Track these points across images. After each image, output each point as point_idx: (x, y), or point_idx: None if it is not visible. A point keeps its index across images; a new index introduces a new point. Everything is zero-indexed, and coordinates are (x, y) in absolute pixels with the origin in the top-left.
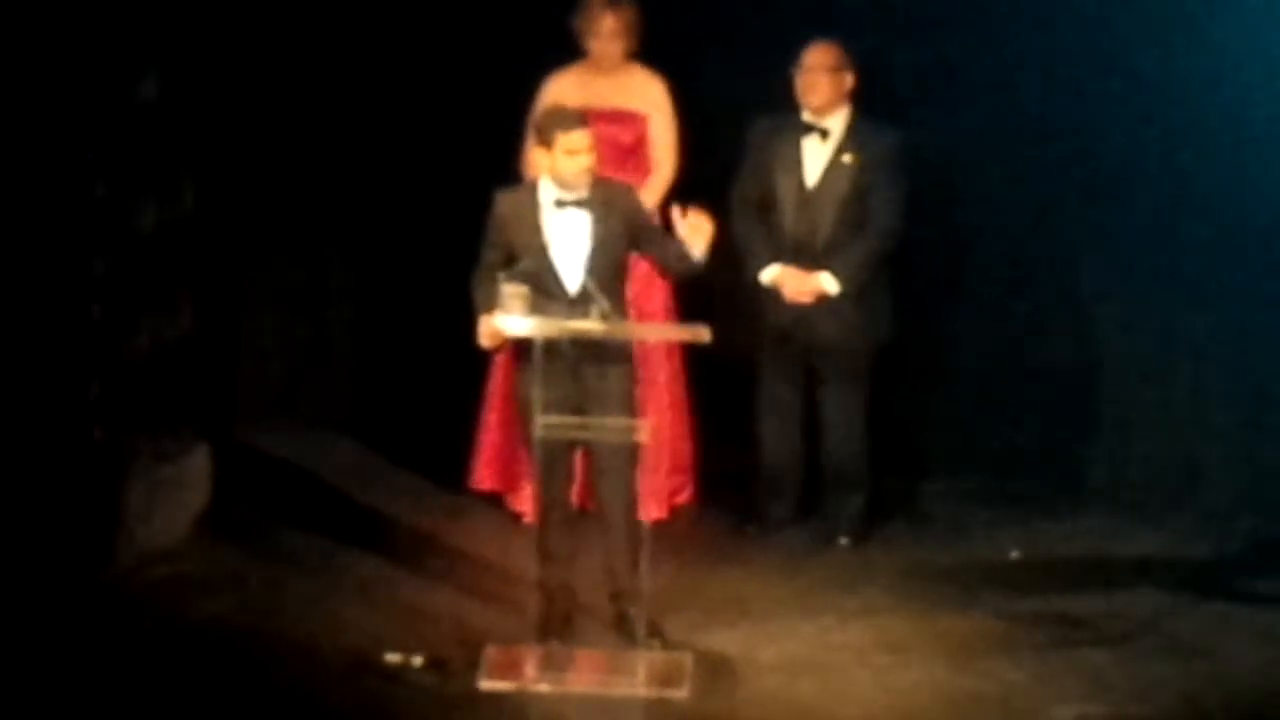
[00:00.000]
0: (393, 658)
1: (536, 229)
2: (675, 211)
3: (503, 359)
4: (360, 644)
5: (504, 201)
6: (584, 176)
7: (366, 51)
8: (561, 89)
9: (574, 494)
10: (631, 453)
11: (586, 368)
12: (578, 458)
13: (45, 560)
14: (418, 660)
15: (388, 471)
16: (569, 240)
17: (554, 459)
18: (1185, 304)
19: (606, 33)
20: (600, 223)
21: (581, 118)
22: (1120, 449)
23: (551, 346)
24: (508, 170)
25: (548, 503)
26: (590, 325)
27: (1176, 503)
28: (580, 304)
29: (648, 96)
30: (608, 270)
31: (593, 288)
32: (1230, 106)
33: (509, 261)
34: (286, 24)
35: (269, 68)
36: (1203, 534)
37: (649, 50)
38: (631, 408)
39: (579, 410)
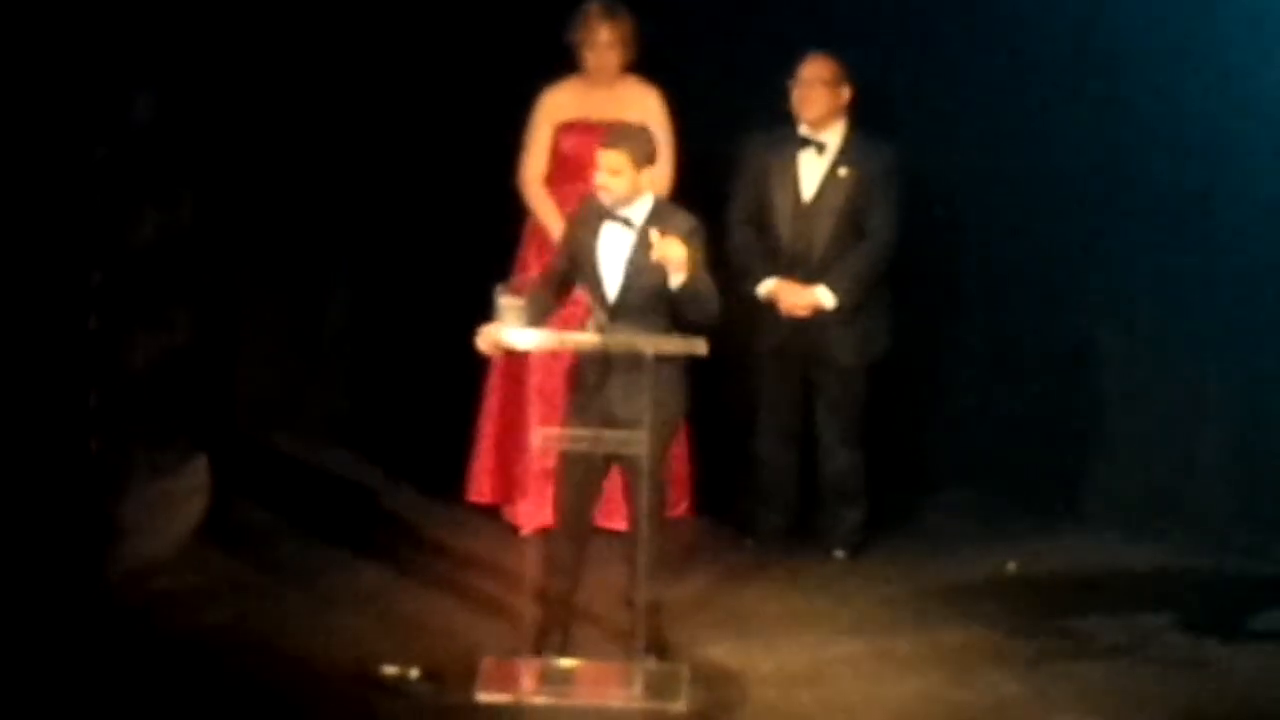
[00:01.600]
0: (390, 669)
1: (594, 236)
2: (652, 238)
3: (500, 371)
4: (357, 655)
5: (580, 209)
6: (602, 194)
7: (364, 65)
8: (558, 101)
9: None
10: (652, 466)
11: (615, 382)
12: (610, 476)
13: (43, 571)
14: (414, 672)
15: (385, 483)
16: (613, 254)
17: (574, 471)
18: (1182, 322)
19: (603, 44)
20: (640, 247)
21: (622, 141)
22: (1116, 464)
23: (583, 359)
24: (504, 182)
25: (563, 514)
26: (586, 338)
27: (1172, 517)
28: (618, 315)
29: (644, 108)
30: (645, 291)
31: (593, 301)
32: (1229, 120)
33: (568, 268)
34: (285, 36)
35: (268, 80)
36: (1198, 548)
37: (644, 62)
38: (659, 421)
39: (609, 423)
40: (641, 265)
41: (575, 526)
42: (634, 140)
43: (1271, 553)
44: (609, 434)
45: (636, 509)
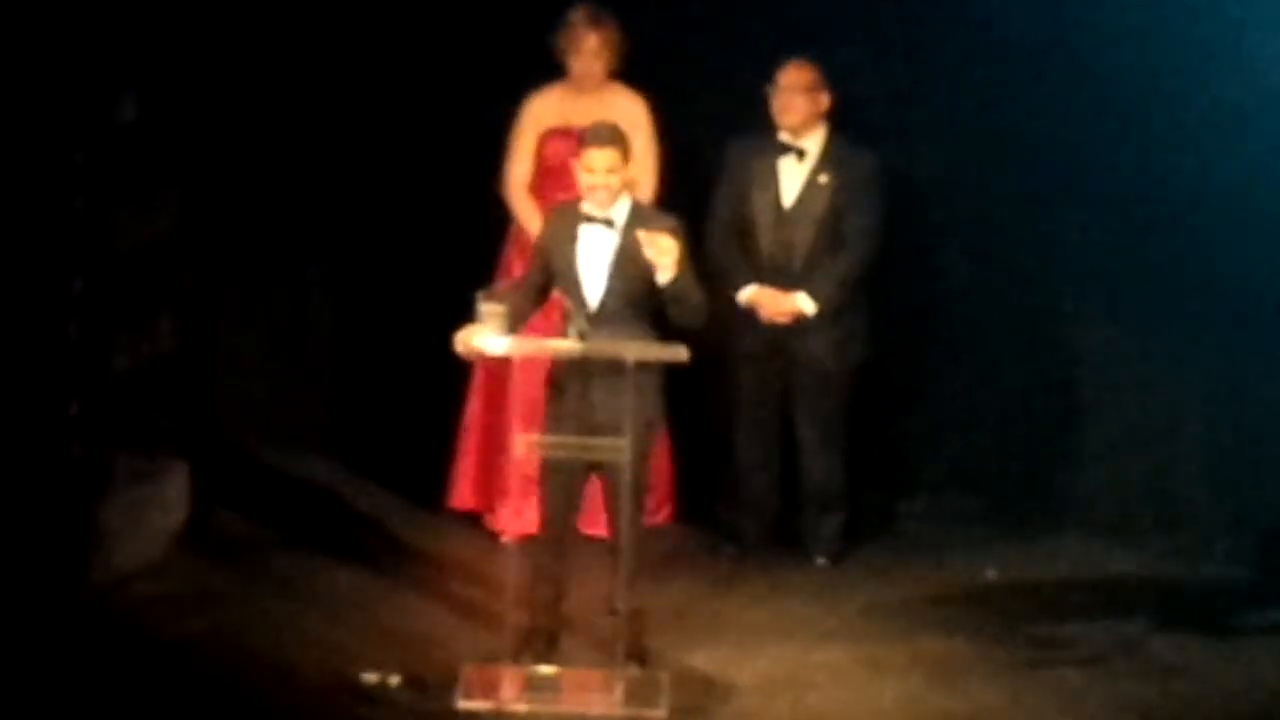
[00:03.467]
0: (370, 677)
1: (572, 240)
2: (640, 234)
3: (482, 378)
4: (338, 663)
5: (553, 215)
6: (596, 195)
7: (347, 71)
8: (543, 108)
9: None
10: (633, 472)
11: (596, 388)
12: (590, 481)
13: (23, 578)
14: (395, 679)
15: (366, 490)
16: (594, 257)
17: (557, 478)
18: (1162, 328)
19: (589, 51)
20: (625, 248)
21: (613, 139)
22: (1097, 471)
23: (562, 365)
24: (487, 189)
25: (547, 521)
26: (567, 345)
27: (1153, 524)
28: (599, 320)
29: (628, 115)
30: (626, 291)
31: (574, 307)
32: (1211, 123)
33: (545, 275)
34: (268, 42)
35: (251, 86)
36: (1179, 556)
37: (627, 68)
38: (641, 427)
39: (590, 429)
40: (625, 267)
41: (559, 534)
42: (620, 137)
43: (1251, 558)
44: (591, 441)
45: (617, 516)
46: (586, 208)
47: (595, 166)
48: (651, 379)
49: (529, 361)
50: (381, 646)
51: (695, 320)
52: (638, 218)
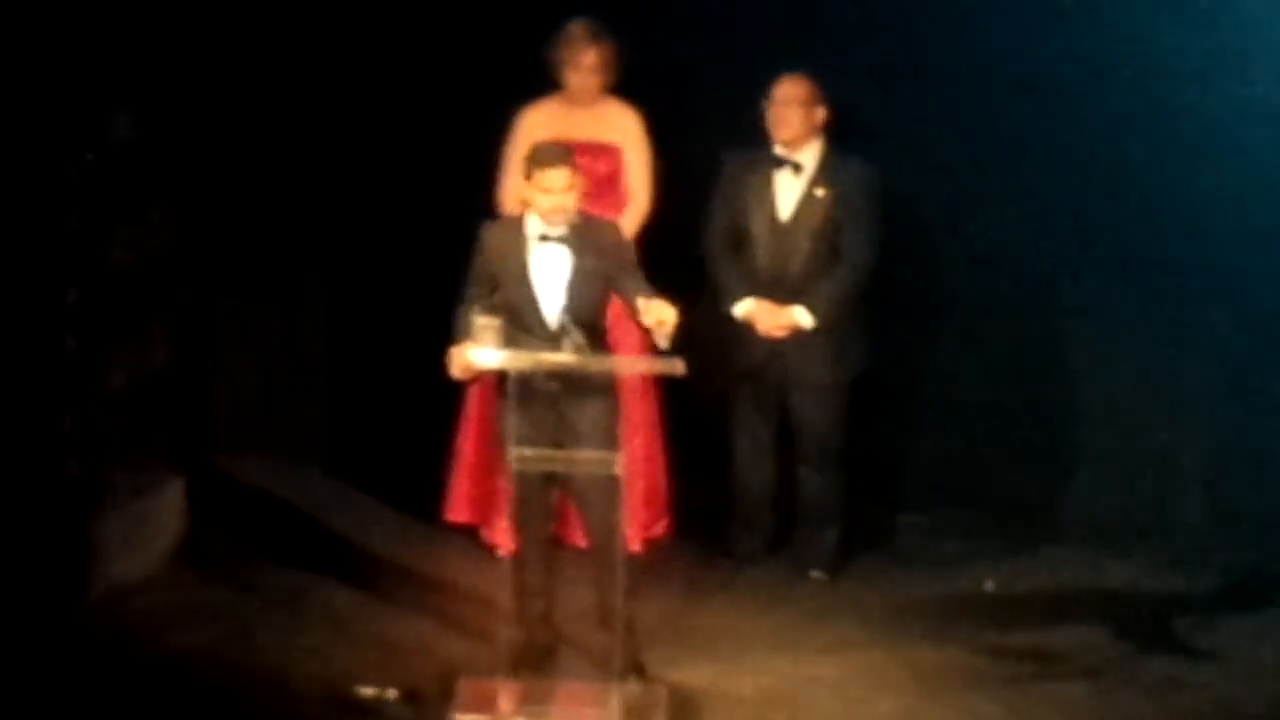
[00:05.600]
0: (366, 690)
1: (521, 261)
2: (639, 303)
3: (477, 391)
4: (334, 676)
5: (491, 233)
6: (558, 215)
7: (341, 86)
8: (537, 121)
9: (552, 528)
10: (613, 485)
11: (566, 402)
12: (556, 492)
13: (18, 593)
14: (392, 693)
15: (363, 504)
16: (550, 274)
17: (530, 492)
18: (1161, 340)
19: (587, 66)
20: (580, 259)
21: (566, 156)
22: (1094, 484)
23: (527, 380)
24: (483, 203)
25: (525, 536)
26: (564, 358)
27: (1148, 537)
28: (559, 338)
29: (623, 129)
30: (587, 306)
31: (568, 321)
32: (1209, 133)
33: (493, 293)
34: (262, 58)
35: (244, 99)
36: (1174, 568)
37: (623, 81)
38: (612, 441)
39: (558, 444)
40: (582, 279)
41: (539, 546)
42: (569, 155)
43: (1248, 570)
44: (581, 454)
45: (600, 530)
46: (538, 227)
47: (553, 186)
48: (610, 395)
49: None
50: (377, 660)
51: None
52: (586, 230)
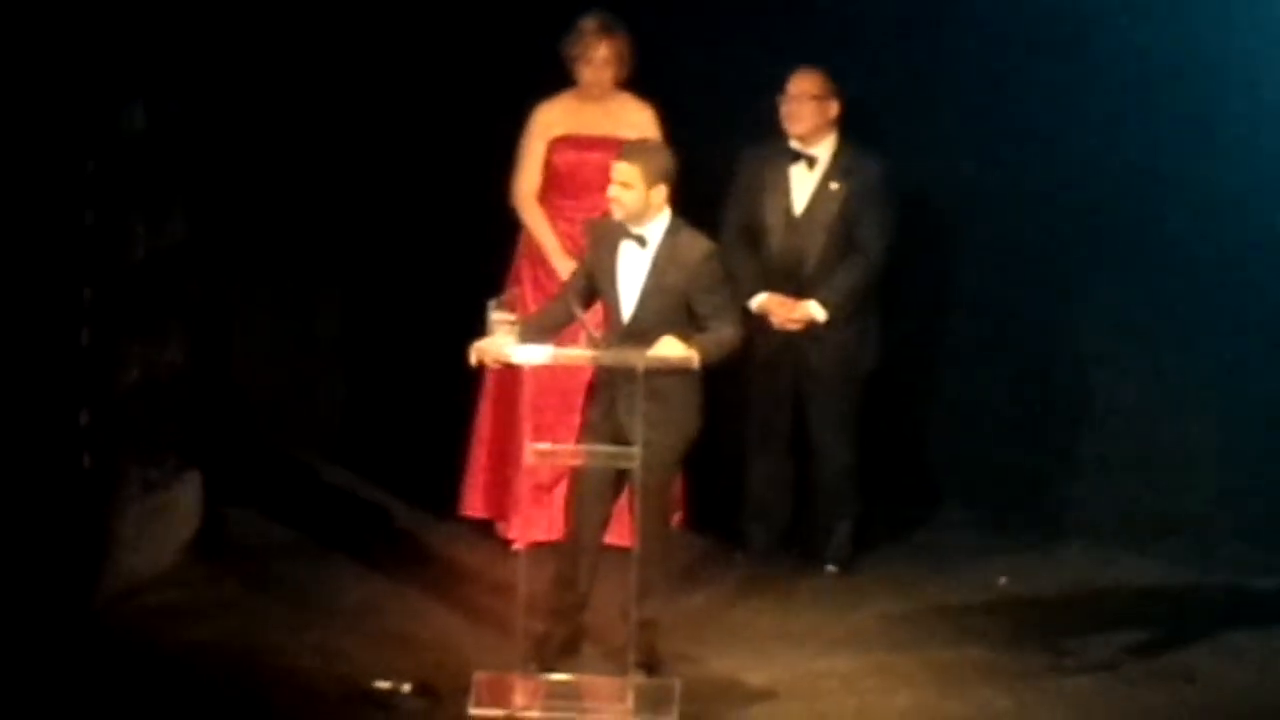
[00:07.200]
0: (382, 685)
1: (613, 253)
2: (650, 356)
3: (491, 387)
4: (350, 671)
5: (598, 224)
6: (613, 205)
7: (356, 78)
8: (551, 116)
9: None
10: (652, 481)
11: (624, 397)
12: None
13: (34, 588)
14: (407, 687)
15: (377, 498)
16: (630, 274)
17: (588, 486)
18: (1177, 339)
19: (600, 61)
20: (657, 265)
21: (630, 154)
22: (1107, 478)
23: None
24: (497, 198)
25: (573, 528)
26: (579, 353)
27: (1163, 532)
28: (633, 334)
29: (637, 123)
30: (662, 311)
31: (581, 315)
32: (1223, 130)
33: (590, 282)
34: (276, 51)
35: (259, 94)
36: (1187, 564)
37: (636, 75)
38: (666, 436)
39: (618, 439)
40: (657, 285)
41: (584, 543)
42: (648, 156)
43: (1262, 567)
44: (602, 449)
45: (638, 523)
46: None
47: (612, 177)
48: (680, 388)
49: (541, 369)
50: (393, 654)
51: (734, 354)
52: (672, 237)
